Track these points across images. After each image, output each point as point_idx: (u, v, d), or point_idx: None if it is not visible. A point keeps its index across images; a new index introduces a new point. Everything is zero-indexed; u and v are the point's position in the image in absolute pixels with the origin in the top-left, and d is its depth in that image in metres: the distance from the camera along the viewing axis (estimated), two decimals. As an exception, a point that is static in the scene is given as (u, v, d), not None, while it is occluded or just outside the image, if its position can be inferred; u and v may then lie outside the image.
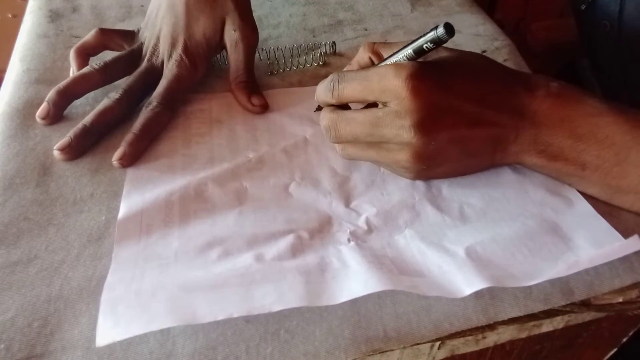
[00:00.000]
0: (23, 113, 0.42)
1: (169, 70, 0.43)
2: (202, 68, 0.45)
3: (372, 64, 0.40)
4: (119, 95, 0.41)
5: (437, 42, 0.32)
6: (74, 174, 0.38)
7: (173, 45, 0.44)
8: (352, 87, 0.35)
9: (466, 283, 0.30)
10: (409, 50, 0.34)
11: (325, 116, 0.36)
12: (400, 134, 0.33)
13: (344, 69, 0.41)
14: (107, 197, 0.36)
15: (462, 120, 0.34)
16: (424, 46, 0.33)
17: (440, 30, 0.32)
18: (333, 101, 0.36)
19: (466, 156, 0.36)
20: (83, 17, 0.54)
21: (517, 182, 0.38)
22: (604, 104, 0.35)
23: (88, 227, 0.34)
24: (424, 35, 0.33)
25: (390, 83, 0.32)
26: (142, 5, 0.56)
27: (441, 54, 0.36)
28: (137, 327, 0.27)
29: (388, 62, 0.36)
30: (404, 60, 0.35)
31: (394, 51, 0.38)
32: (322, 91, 0.36)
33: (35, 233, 0.34)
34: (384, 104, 0.33)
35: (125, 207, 0.35)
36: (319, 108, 0.39)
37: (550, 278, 0.31)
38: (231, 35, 0.45)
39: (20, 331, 0.29)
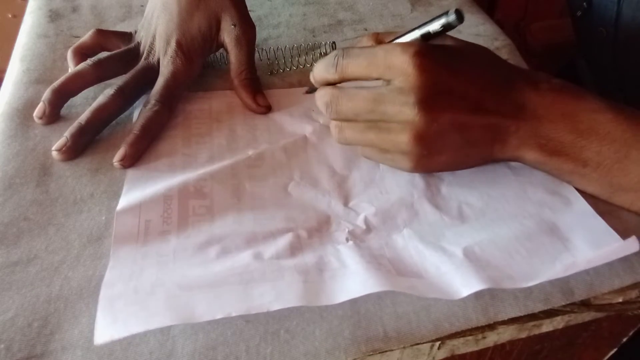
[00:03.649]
0: (23, 113, 0.42)
1: (165, 67, 0.43)
2: (198, 63, 0.45)
3: None
4: (113, 91, 0.41)
5: (447, 28, 0.32)
6: (74, 174, 0.38)
7: (168, 42, 0.44)
8: (357, 62, 0.34)
9: (464, 284, 0.30)
10: (417, 34, 0.34)
11: (326, 92, 0.36)
12: (404, 111, 0.32)
13: None
14: (107, 197, 0.36)
15: (465, 105, 0.33)
16: (432, 30, 0.33)
17: (452, 16, 0.31)
18: (335, 76, 0.35)
19: (466, 144, 0.35)
20: (83, 17, 0.54)
21: (516, 182, 0.38)
22: (603, 101, 0.35)
23: (88, 227, 0.34)
24: (433, 20, 0.33)
25: (396, 59, 0.32)
26: (142, 5, 0.56)
27: (447, 41, 0.36)
28: (135, 325, 0.27)
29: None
30: None
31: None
32: (323, 67, 0.36)
33: (35, 233, 0.34)
34: (388, 82, 0.33)
35: (124, 202, 0.35)
36: (311, 91, 0.38)
37: (548, 279, 0.31)
38: (231, 31, 0.45)
39: (20, 331, 0.29)
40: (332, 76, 0.36)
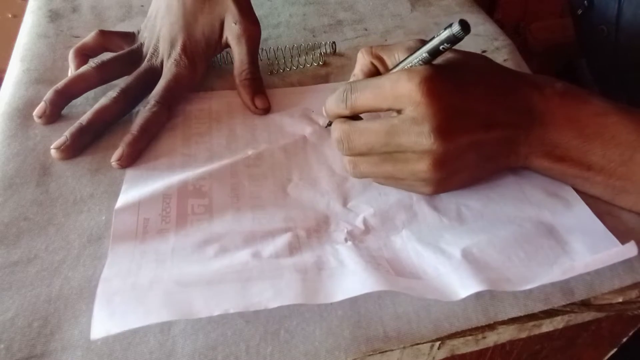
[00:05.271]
0: (23, 113, 0.42)
1: (168, 70, 0.43)
2: (201, 67, 0.45)
3: (376, 69, 0.39)
4: (116, 93, 0.41)
5: (453, 41, 0.31)
6: (74, 174, 0.38)
7: (172, 45, 0.44)
8: (365, 96, 0.34)
9: (461, 286, 0.30)
10: (423, 54, 0.33)
11: (337, 128, 0.35)
12: (420, 141, 0.32)
13: (350, 80, 0.40)
14: (107, 197, 0.36)
15: (479, 123, 0.33)
16: (440, 47, 0.32)
17: (456, 28, 0.30)
18: (346, 112, 0.35)
19: (483, 160, 0.35)
20: (83, 17, 0.54)
21: (515, 184, 0.38)
22: (608, 103, 0.34)
23: (88, 227, 0.34)
24: (438, 35, 0.32)
25: (404, 88, 0.32)
26: (142, 5, 0.56)
27: (446, 55, 0.36)
28: (132, 320, 0.27)
29: (401, 67, 0.35)
30: (419, 63, 0.33)
31: (394, 53, 0.37)
32: (334, 103, 0.36)
33: (35, 233, 0.34)
34: (399, 112, 0.33)
35: (122, 200, 0.35)
36: (330, 124, 0.38)
37: (545, 283, 0.31)
38: (232, 29, 0.45)
39: (20, 331, 0.29)
40: (343, 111, 0.35)
